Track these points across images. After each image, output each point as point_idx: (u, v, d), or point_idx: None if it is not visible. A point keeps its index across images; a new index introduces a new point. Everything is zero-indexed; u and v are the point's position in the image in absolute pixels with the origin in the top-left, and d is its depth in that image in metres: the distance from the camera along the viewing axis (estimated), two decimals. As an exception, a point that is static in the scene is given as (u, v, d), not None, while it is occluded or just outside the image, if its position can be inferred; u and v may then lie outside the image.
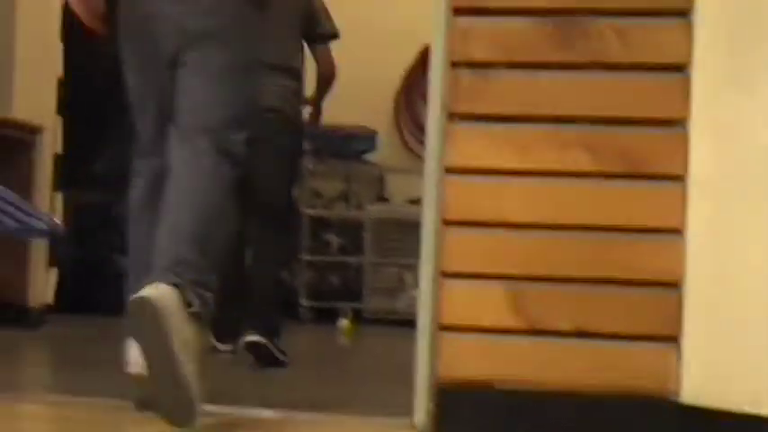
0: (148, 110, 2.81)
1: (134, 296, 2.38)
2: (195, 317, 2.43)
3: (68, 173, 5.83)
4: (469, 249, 2.54)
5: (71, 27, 5.80)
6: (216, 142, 2.62)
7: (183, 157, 2.63)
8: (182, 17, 2.67)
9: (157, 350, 2.36)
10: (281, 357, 4.33)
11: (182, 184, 2.60)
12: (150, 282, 2.41)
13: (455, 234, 2.53)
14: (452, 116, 2.54)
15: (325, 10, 4.75)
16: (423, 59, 7.77)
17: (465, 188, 2.53)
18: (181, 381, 2.36)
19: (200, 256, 2.51)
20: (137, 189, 2.82)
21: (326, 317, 6.99)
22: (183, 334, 2.38)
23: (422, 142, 7.81)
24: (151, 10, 2.70)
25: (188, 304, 2.41)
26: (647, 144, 2.48)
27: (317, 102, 4.83)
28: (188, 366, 2.37)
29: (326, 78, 4.75)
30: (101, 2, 2.80)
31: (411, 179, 7.53)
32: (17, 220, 2.15)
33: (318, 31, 4.71)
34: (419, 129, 7.91)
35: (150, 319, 2.35)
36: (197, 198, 2.59)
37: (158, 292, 2.37)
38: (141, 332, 2.41)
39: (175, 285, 2.40)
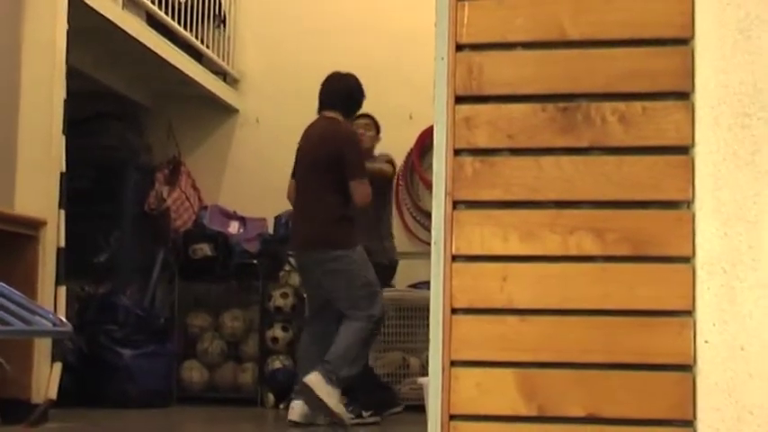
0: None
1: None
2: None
3: (71, 265, 5.83)
4: (478, 337, 2.52)
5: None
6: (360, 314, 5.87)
7: (345, 324, 5.85)
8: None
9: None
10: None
11: (345, 333, 5.80)
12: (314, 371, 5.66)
13: (463, 322, 2.52)
14: (457, 203, 2.55)
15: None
16: (421, 143, 7.83)
17: (472, 275, 2.53)
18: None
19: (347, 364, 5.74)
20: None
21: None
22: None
23: (423, 226, 7.88)
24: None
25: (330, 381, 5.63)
26: (652, 226, 2.48)
27: None
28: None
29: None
30: None
31: (413, 263, 7.53)
32: (23, 320, 2.14)
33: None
34: (420, 212, 7.93)
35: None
36: (350, 340, 5.80)
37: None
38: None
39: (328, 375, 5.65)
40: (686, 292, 2.44)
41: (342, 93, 6.30)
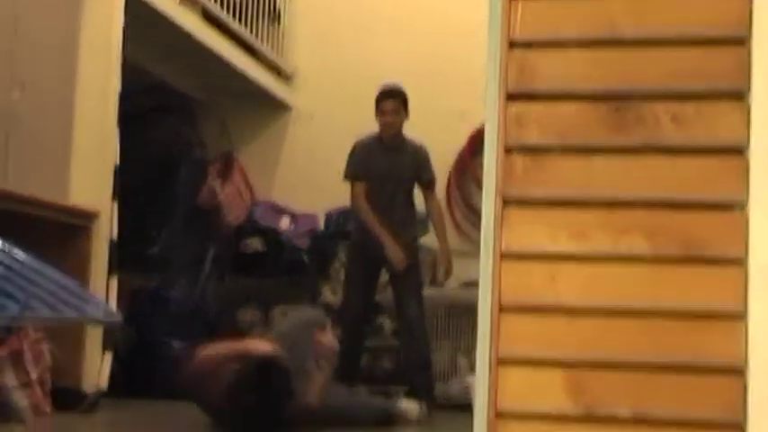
0: None
1: None
2: None
3: (123, 258, 5.88)
4: (526, 335, 2.51)
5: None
6: None
7: None
8: None
9: None
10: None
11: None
12: None
13: (511, 320, 2.51)
14: (507, 202, 2.53)
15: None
16: (473, 142, 7.80)
17: (521, 274, 2.52)
18: None
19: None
20: None
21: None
22: None
23: (474, 224, 7.86)
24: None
25: None
26: (705, 227, 2.45)
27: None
28: None
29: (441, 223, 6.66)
30: None
31: (464, 262, 7.51)
32: (75, 309, 2.16)
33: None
34: (471, 211, 7.91)
35: None
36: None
37: None
38: None
39: None
40: (739, 294, 2.41)
41: None
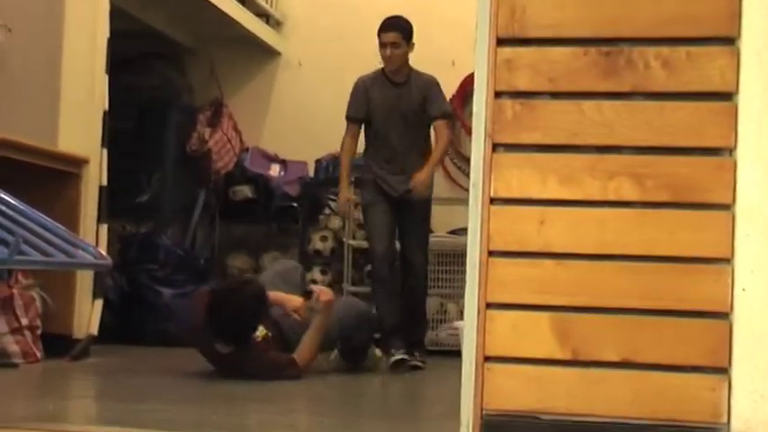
0: None
1: None
2: None
3: (113, 205, 5.88)
4: (514, 279, 2.53)
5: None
6: None
7: None
8: None
9: None
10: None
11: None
12: None
13: (500, 265, 2.53)
14: (496, 146, 2.54)
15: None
16: (463, 90, 7.78)
17: (510, 218, 2.53)
18: None
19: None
20: None
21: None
22: None
23: (463, 172, 7.85)
24: None
25: None
26: (693, 172, 2.47)
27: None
28: None
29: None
30: None
31: (453, 209, 7.53)
32: (66, 253, 2.17)
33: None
34: (461, 157, 7.90)
35: None
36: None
37: None
38: None
39: None
40: (725, 240, 2.43)
41: None
